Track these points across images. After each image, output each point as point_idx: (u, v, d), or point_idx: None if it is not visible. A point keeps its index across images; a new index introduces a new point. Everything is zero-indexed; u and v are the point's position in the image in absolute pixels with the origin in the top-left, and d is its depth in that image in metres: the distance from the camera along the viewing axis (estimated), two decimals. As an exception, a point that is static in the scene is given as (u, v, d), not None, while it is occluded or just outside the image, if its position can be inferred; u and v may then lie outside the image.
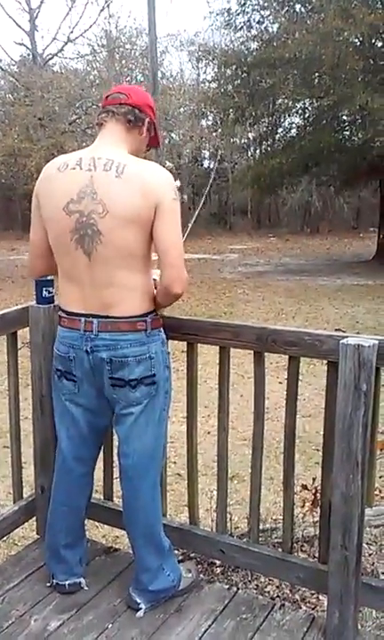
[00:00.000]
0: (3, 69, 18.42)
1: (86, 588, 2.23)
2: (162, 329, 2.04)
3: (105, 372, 1.96)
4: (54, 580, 2.22)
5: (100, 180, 1.87)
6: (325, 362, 2.00)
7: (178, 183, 2.08)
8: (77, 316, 1.97)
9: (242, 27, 16.53)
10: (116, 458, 2.21)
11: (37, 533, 2.57)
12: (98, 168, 1.88)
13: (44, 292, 2.31)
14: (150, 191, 1.85)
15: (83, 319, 1.96)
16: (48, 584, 2.24)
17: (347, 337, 1.87)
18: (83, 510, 2.24)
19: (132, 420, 2.02)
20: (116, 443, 2.19)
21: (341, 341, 1.85)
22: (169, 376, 2.10)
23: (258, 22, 16.21)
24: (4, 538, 2.60)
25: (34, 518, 2.57)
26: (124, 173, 1.86)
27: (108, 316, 1.93)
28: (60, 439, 2.16)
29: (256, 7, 16.16)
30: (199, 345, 2.24)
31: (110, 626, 2.06)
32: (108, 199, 1.85)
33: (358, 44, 14.42)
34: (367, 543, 2.68)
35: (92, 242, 1.88)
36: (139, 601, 2.12)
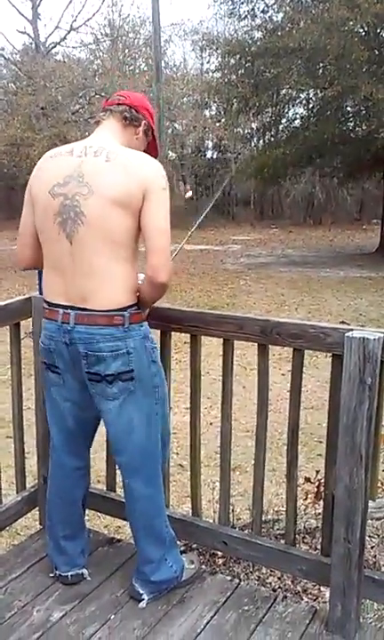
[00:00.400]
0: (5, 58, 18.33)
1: (89, 579, 2.23)
2: (144, 323, 2.00)
3: (82, 366, 1.95)
4: (57, 571, 2.23)
5: (88, 164, 1.88)
6: (330, 355, 1.99)
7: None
8: (57, 307, 1.96)
9: (246, 15, 16.39)
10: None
11: (40, 524, 2.57)
12: (88, 155, 1.90)
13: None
14: (139, 177, 1.85)
15: (61, 310, 1.94)
16: (51, 575, 2.25)
17: (352, 330, 1.86)
18: (79, 502, 2.23)
19: (113, 417, 1.99)
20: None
21: (346, 334, 1.84)
22: (158, 371, 2.05)
23: (262, 11, 16.06)
24: (7, 528, 2.61)
25: (36, 508, 2.57)
26: (114, 159, 1.87)
27: (85, 308, 1.91)
28: (51, 433, 2.16)
29: (260, -4, 16.02)
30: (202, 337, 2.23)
31: (113, 617, 2.06)
32: (93, 181, 1.85)
33: (363, 34, 14.30)
34: (369, 536, 2.68)
35: (73, 224, 1.87)
36: (141, 592, 2.12)
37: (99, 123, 2.05)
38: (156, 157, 2.09)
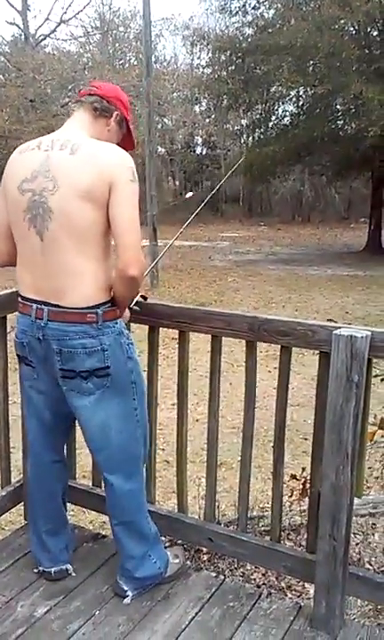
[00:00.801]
0: (-6, 49, 18.18)
1: (74, 575, 2.22)
2: (119, 320, 1.97)
3: (56, 363, 1.93)
4: (40, 567, 2.22)
5: (54, 158, 1.85)
6: (317, 352, 1.99)
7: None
8: (30, 301, 1.94)
9: (237, 12, 16.39)
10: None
11: (25, 519, 2.56)
12: (54, 148, 1.87)
13: None
14: (104, 169, 1.82)
15: (34, 305, 1.92)
16: (35, 570, 2.24)
17: (340, 328, 1.87)
18: (59, 496, 2.22)
19: (89, 413, 1.97)
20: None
21: (334, 332, 1.84)
22: (134, 367, 2.02)
23: (253, 8, 16.08)
24: (-9, 523, 2.60)
25: (21, 504, 2.56)
26: (78, 151, 1.84)
27: (58, 305, 1.89)
28: (27, 427, 2.14)
29: (252, -8, 16.01)
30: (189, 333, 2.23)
31: (97, 612, 2.06)
32: (59, 175, 1.83)
33: (354, 32, 14.35)
34: (353, 533, 2.70)
35: (43, 220, 1.84)
36: (125, 588, 2.12)
37: (71, 113, 2.02)
38: (131, 150, 2.06)
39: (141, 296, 2.12)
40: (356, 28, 14.20)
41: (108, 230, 1.87)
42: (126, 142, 2.09)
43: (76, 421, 2.13)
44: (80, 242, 1.84)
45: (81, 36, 19.06)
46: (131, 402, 2.02)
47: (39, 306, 1.91)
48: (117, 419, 1.99)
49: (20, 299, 1.99)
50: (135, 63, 17.68)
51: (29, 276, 1.94)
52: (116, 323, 1.96)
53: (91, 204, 1.81)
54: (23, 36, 18.28)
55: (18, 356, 2.06)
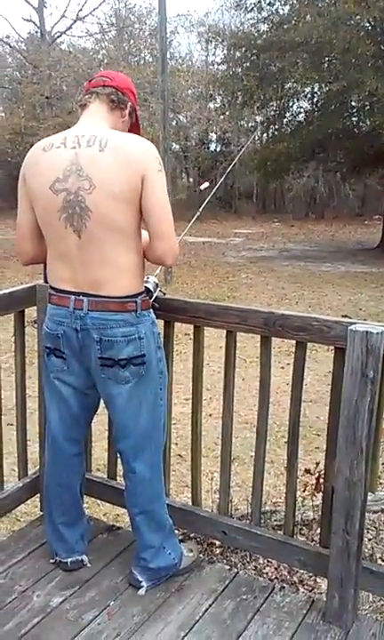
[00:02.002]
0: (10, 46, 18.25)
1: (89, 566, 2.25)
2: (151, 310, 2.04)
3: (94, 352, 1.96)
4: (57, 557, 2.25)
5: (84, 157, 1.86)
6: (331, 348, 2.00)
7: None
8: (67, 293, 1.97)
9: (252, 8, 16.31)
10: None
11: (41, 510, 2.59)
12: (82, 145, 1.88)
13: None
14: (135, 162, 1.84)
15: (73, 297, 1.95)
16: (51, 560, 2.27)
17: (355, 323, 1.87)
18: (76, 489, 2.25)
19: (123, 401, 2.01)
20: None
21: (350, 328, 1.85)
22: (162, 357, 2.11)
23: (269, 4, 15.98)
24: (8, 514, 2.63)
25: (37, 495, 2.59)
26: (107, 147, 1.86)
27: (98, 295, 1.93)
28: (49, 420, 2.17)
29: (267, -12, 15.94)
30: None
31: (112, 603, 2.09)
32: (93, 174, 1.84)
33: (370, 28, 14.24)
34: (366, 528, 2.71)
35: (80, 219, 1.87)
36: (140, 579, 2.15)
37: (84, 106, 2.01)
38: (137, 132, 2.10)
39: (161, 291, 2.15)
40: (372, 23, 14.10)
41: (141, 221, 1.91)
42: (134, 131, 2.11)
43: (96, 413, 2.17)
44: (118, 235, 1.88)
45: (96, 33, 19.06)
46: (158, 391, 2.07)
47: (78, 297, 1.94)
48: (148, 407, 2.04)
49: (53, 291, 2.02)
50: (150, 60, 17.67)
51: (66, 270, 1.96)
52: (150, 312, 2.02)
53: (126, 200, 1.85)
54: (39, 33, 18.30)
55: (47, 348, 2.08)
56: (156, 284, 2.13)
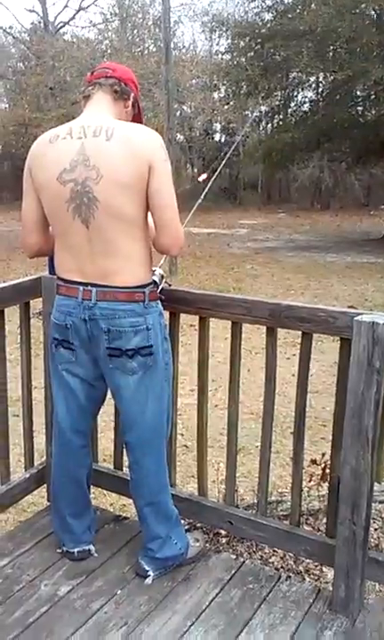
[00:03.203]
0: (13, 37, 18.18)
1: (96, 555, 2.27)
2: (159, 301, 2.05)
3: (102, 342, 1.97)
4: (64, 548, 2.27)
5: (91, 147, 1.86)
6: (336, 339, 2.00)
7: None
8: (76, 284, 1.97)
9: (257, -4, 16.20)
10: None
11: (48, 500, 2.61)
12: (88, 135, 1.88)
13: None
14: (142, 152, 1.85)
15: (81, 287, 1.96)
16: (58, 550, 2.29)
17: (361, 314, 1.87)
18: (83, 480, 2.26)
19: (130, 392, 2.02)
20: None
21: (355, 318, 1.85)
22: (168, 348, 2.11)
23: (273, -8, 15.88)
24: (15, 505, 2.64)
25: (44, 486, 2.61)
26: (113, 136, 1.86)
27: (106, 285, 1.94)
28: (56, 411, 2.17)
29: (272, -24, 15.82)
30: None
31: (119, 592, 2.10)
32: (101, 164, 1.84)
33: (375, 17, 14.12)
34: (372, 518, 2.71)
35: (88, 209, 1.87)
36: (147, 568, 2.16)
37: (88, 97, 2.02)
38: (139, 121, 2.11)
39: (166, 282, 2.15)
40: (378, 12, 13.97)
41: (147, 210, 1.92)
42: (136, 121, 2.10)
43: (103, 404, 2.18)
44: (125, 225, 1.89)
45: (100, 23, 19.01)
46: (163, 382, 2.08)
47: (86, 287, 1.95)
48: (154, 398, 2.04)
49: (61, 282, 2.02)
50: (154, 50, 17.59)
51: (74, 261, 1.97)
52: (158, 303, 2.03)
53: (134, 189, 1.85)
54: (42, 24, 18.24)
55: (55, 339, 2.08)
56: (162, 276, 2.13)
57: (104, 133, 1.86)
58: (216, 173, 3.43)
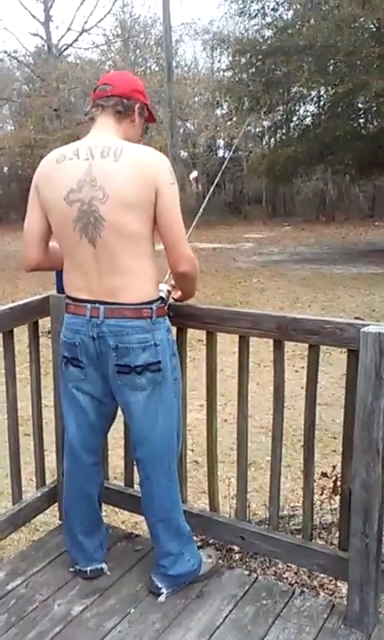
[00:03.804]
0: (18, 60, 18.45)
1: (108, 574, 2.26)
2: (167, 317, 2.07)
3: (111, 359, 1.98)
4: (77, 566, 2.26)
5: (98, 167, 1.89)
6: (344, 351, 2.00)
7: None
8: (84, 302, 2.00)
9: (256, 14, 16.35)
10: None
11: (60, 519, 2.60)
12: (95, 156, 1.91)
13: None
14: (149, 174, 1.88)
15: (89, 305, 1.98)
16: (71, 569, 2.28)
17: (368, 325, 1.87)
18: (95, 498, 2.26)
19: (140, 408, 2.03)
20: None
21: (362, 329, 1.85)
22: (177, 364, 2.12)
23: (272, 9, 16.03)
24: (27, 524, 2.64)
25: (56, 504, 2.61)
26: (121, 157, 1.88)
27: (114, 303, 1.96)
28: (67, 429, 2.18)
29: (270, -6, 15.99)
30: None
31: (133, 610, 2.09)
32: (107, 184, 1.87)
33: (374, 30, 14.23)
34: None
35: (95, 229, 1.90)
36: (160, 586, 2.15)
37: (93, 119, 2.03)
38: (154, 122, 2.14)
39: (172, 298, 2.16)
40: (376, 25, 14.07)
41: (154, 229, 1.95)
42: (150, 121, 2.13)
43: (114, 421, 2.20)
44: (132, 244, 1.92)
45: (102, 44, 19.28)
46: (173, 398, 2.08)
47: (94, 305, 1.97)
48: (164, 414, 2.05)
49: (69, 300, 2.05)
50: (156, 69, 17.80)
51: (81, 279, 1.99)
52: (166, 319, 2.05)
53: (140, 210, 1.88)
54: (46, 47, 18.51)
55: (64, 357, 2.10)
56: (168, 291, 2.15)
57: (112, 154, 1.89)
58: (214, 184, 3.47)
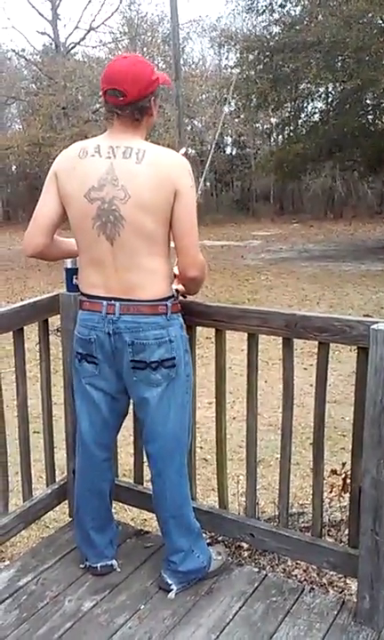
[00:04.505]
0: (26, 59, 18.48)
1: (119, 570, 2.27)
2: (180, 314, 2.08)
3: (126, 355, 2.00)
4: (87, 563, 2.28)
5: (120, 167, 1.90)
6: (354, 348, 2.00)
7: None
8: (99, 299, 2.01)
9: (264, 10, 16.30)
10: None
11: (70, 516, 2.62)
12: (117, 156, 1.91)
13: (74, 279, 2.34)
14: (170, 177, 1.89)
15: (105, 302, 2.00)
16: (81, 565, 2.29)
17: (377, 322, 1.87)
18: (106, 494, 2.27)
19: (154, 404, 2.05)
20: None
21: (372, 327, 1.85)
22: (189, 360, 2.14)
23: (280, 5, 15.95)
24: (37, 521, 2.66)
25: (66, 501, 2.62)
26: (144, 159, 1.89)
27: (130, 299, 1.98)
28: (80, 425, 2.20)
29: (278, -10, 15.93)
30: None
31: (143, 607, 2.10)
32: (129, 185, 1.88)
33: (383, 25, 14.16)
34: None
35: (114, 228, 1.92)
36: (170, 582, 2.16)
37: (109, 120, 1.96)
38: (169, 84, 2.02)
39: (182, 295, 2.16)
40: (385, 21, 14.03)
41: (170, 231, 1.96)
42: (163, 82, 1.99)
43: (125, 418, 2.22)
44: (149, 243, 1.93)
45: (110, 43, 19.26)
46: (185, 394, 2.10)
47: (110, 302, 1.99)
48: (176, 410, 2.07)
49: (85, 298, 2.07)
50: (164, 67, 17.76)
51: (98, 276, 2.01)
52: (179, 316, 2.06)
53: (159, 212, 1.90)
54: (54, 45, 18.52)
55: (78, 354, 2.12)
56: (177, 290, 2.15)
57: (135, 156, 1.89)
58: (204, 176, 3.42)
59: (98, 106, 16.85)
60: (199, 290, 2.14)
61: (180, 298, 2.18)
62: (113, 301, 1.99)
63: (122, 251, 1.94)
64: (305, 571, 2.57)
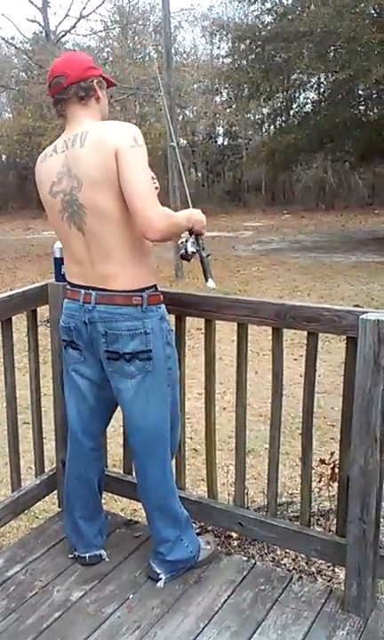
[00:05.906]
0: (16, 47, 18.28)
1: (107, 560, 2.28)
2: (161, 305, 2.05)
3: (101, 345, 2.00)
4: (76, 553, 2.28)
5: (70, 157, 1.93)
6: (343, 338, 2.00)
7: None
8: (78, 287, 2.03)
9: (256, 0, 16.22)
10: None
11: (59, 506, 2.62)
12: (69, 147, 1.94)
13: (63, 269, 2.33)
14: (107, 143, 1.86)
15: (82, 291, 2.01)
16: (70, 556, 2.29)
17: (366, 312, 1.87)
18: (95, 483, 2.27)
19: (129, 396, 2.04)
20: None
21: (361, 317, 1.85)
22: (172, 353, 2.10)
23: (272, -6, 15.89)
24: (26, 512, 2.65)
25: (55, 492, 2.62)
26: (86, 140, 1.90)
27: (105, 289, 1.98)
28: (68, 413, 2.21)
29: (271, -22, 15.83)
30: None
31: (131, 596, 2.11)
32: (79, 172, 1.90)
33: (375, 15, 14.10)
34: (382, 516, 2.71)
35: (79, 217, 1.94)
36: (159, 571, 2.16)
37: (63, 116, 2.00)
38: (113, 85, 2.07)
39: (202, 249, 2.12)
40: (378, 11, 13.96)
41: None
42: (110, 86, 2.07)
43: (114, 410, 2.21)
44: (115, 227, 1.91)
45: (101, 31, 19.07)
46: (165, 388, 2.08)
47: (87, 291, 2.00)
48: (156, 403, 2.06)
49: (68, 286, 2.09)
50: (155, 56, 17.64)
51: (77, 267, 2.04)
52: (159, 307, 2.04)
53: (108, 184, 1.85)
54: (44, 33, 18.31)
55: (64, 340, 2.14)
56: (193, 243, 2.10)
57: (79, 140, 1.91)
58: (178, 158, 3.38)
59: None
60: (174, 236, 2.03)
61: (191, 253, 2.10)
62: (90, 290, 2.00)
63: (93, 241, 1.95)
64: (293, 559, 2.58)
